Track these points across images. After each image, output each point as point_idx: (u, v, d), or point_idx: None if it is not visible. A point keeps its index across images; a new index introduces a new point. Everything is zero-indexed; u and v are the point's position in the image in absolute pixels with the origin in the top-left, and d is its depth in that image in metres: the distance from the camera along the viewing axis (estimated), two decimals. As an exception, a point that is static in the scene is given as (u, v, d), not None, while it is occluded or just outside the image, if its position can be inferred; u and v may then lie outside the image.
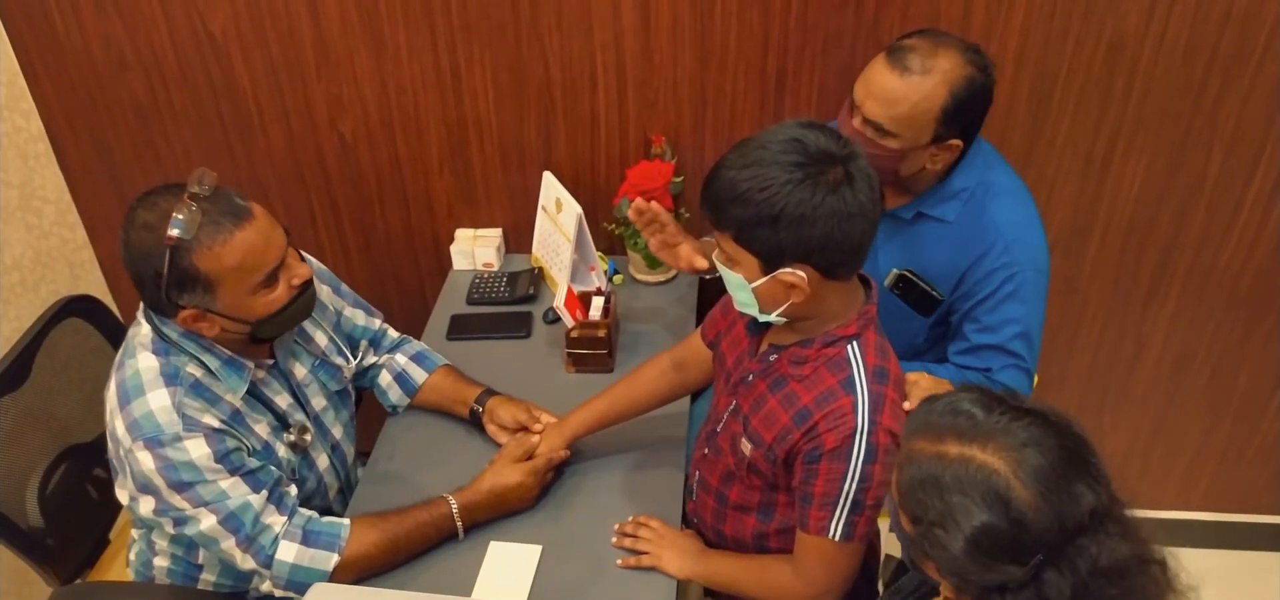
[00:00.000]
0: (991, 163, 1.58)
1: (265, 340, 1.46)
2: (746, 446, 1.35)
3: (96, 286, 2.34)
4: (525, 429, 1.63)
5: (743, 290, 1.24)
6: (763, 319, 1.27)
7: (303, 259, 1.46)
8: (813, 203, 1.12)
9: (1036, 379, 1.75)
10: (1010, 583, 0.92)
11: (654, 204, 1.66)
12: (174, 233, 1.26)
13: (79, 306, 1.80)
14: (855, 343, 1.26)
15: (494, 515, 1.53)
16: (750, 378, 1.36)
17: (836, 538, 1.26)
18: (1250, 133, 1.87)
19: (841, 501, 1.24)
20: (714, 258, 1.27)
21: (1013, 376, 1.54)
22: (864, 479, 1.23)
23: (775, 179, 1.13)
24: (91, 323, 1.83)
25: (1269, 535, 2.48)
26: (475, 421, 1.71)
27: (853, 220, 1.14)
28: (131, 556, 1.64)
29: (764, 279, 1.20)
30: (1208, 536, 2.49)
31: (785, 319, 1.26)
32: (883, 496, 1.26)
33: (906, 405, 1.27)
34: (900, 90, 1.44)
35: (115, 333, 1.87)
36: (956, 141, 1.48)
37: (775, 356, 1.32)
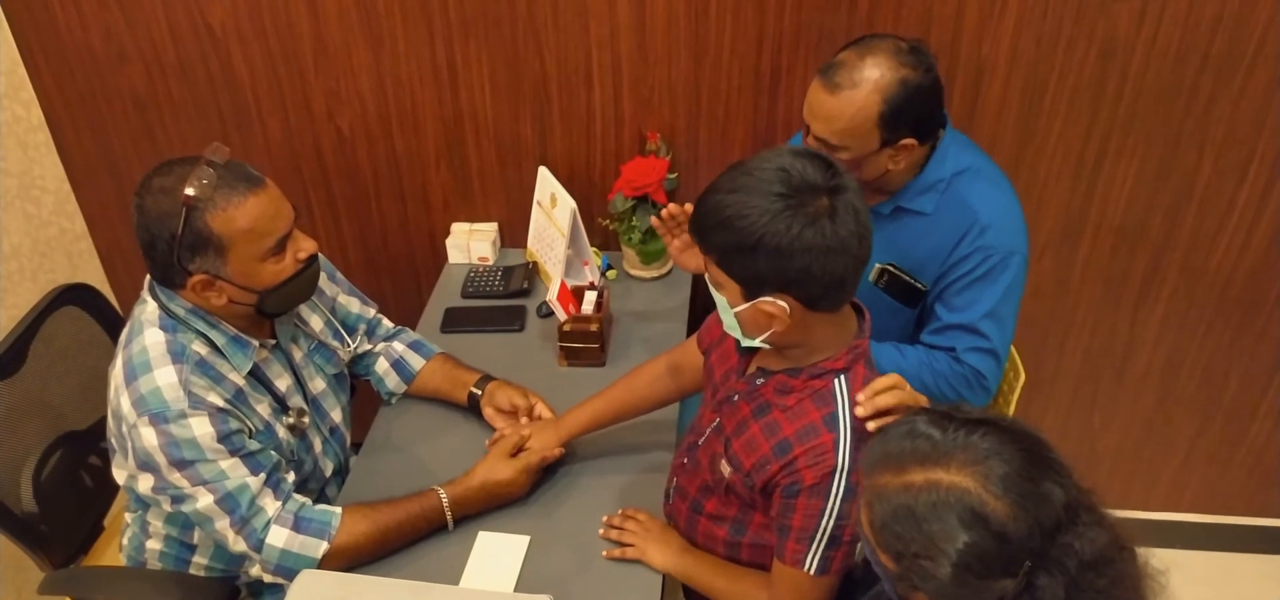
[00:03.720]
0: (964, 150, 1.59)
1: (270, 315, 1.49)
2: (726, 468, 1.34)
3: (94, 276, 2.36)
4: (518, 413, 1.65)
5: (727, 313, 1.23)
6: (746, 344, 1.26)
7: None
8: (791, 235, 1.09)
9: (1022, 374, 1.76)
10: (1005, 597, 0.91)
11: (687, 206, 1.63)
12: (190, 191, 1.30)
13: (76, 295, 1.81)
14: (843, 377, 1.22)
15: (484, 508, 1.55)
16: (736, 398, 1.34)
17: (812, 572, 1.24)
18: (1241, 136, 1.88)
19: (818, 537, 1.22)
20: (707, 276, 1.26)
21: (979, 359, 1.55)
22: (842, 516, 1.20)
23: (756, 207, 1.10)
24: (88, 312, 1.84)
25: (1258, 537, 2.49)
26: (473, 407, 1.72)
27: (833, 255, 1.10)
28: (124, 541, 1.66)
29: (745, 305, 1.18)
30: (1197, 538, 2.49)
31: (770, 346, 1.24)
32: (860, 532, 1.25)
33: (878, 400, 1.19)
34: (834, 107, 1.46)
35: (112, 322, 1.88)
36: (909, 140, 1.49)
37: (762, 381, 1.29)
